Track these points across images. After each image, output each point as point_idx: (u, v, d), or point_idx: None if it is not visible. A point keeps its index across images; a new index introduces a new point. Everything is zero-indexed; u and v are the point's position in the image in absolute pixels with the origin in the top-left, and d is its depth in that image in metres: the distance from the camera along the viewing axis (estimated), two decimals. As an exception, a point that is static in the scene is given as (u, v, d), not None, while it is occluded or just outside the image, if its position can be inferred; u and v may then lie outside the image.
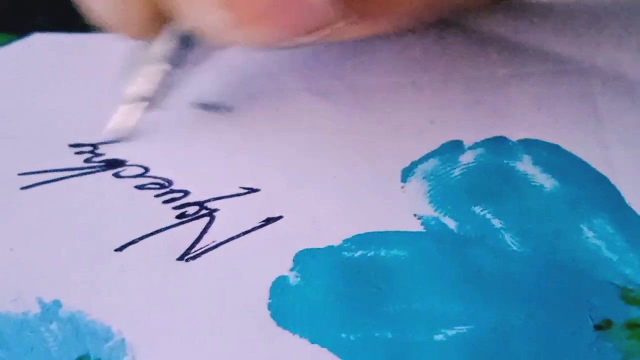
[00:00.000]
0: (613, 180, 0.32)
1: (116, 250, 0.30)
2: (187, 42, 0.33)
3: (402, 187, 0.33)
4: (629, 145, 0.34)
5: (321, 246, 0.30)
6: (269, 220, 0.31)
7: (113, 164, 0.34)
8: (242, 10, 0.29)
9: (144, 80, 0.34)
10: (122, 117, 0.35)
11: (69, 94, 0.37)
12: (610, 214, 0.31)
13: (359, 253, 0.30)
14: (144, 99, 0.35)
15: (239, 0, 0.29)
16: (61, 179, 0.33)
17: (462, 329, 0.28)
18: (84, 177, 0.33)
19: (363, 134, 0.35)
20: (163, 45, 0.34)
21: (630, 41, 0.39)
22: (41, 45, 0.41)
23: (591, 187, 0.32)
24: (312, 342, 0.27)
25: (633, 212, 0.31)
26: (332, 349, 0.27)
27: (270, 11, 0.29)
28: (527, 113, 0.36)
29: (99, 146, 0.35)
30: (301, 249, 0.30)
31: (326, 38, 0.31)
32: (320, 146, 0.34)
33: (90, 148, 0.35)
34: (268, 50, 0.35)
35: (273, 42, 0.30)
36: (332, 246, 0.30)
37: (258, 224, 0.31)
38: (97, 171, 0.34)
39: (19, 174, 0.33)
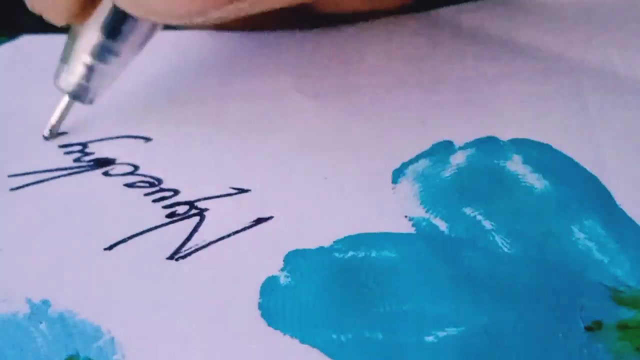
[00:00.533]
0: (603, 181, 0.32)
1: (106, 249, 0.30)
2: (113, 29, 0.32)
3: (393, 188, 0.32)
4: (619, 144, 0.34)
5: (312, 247, 0.30)
6: (259, 221, 0.31)
7: (102, 162, 0.34)
8: None
9: (68, 75, 0.34)
10: (56, 114, 0.35)
11: (58, 94, 0.37)
12: (601, 215, 0.31)
13: (349, 254, 0.30)
14: (69, 94, 0.34)
15: None
16: (51, 179, 0.33)
17: (452, 330, 0.28)
18: (73, 176, 0.33)
19: (354, 135, 0.35)
20: (88, 34, 0.33)
21: (620, 39, 0.39)
22: (30, 47, 0.41)
23: (582, 188, 0.32)
24: (303, 342, 0.27)
25: (623, 214, 0.31)
26: (323, 349, 0.27)
27: None
28: (517, 112, 0.36)
29: (89, 145, 0.35)
30: (291, 249, 0.30)
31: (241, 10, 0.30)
32: (311, 147, 0.34)
33: (79, 147, 0.35)
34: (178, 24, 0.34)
35: (191, 13, 0.30)
36: (323, 247, 0.30)
37: (248, 224, 0.31)
38: (87, 170, 0.34)
39: (9, 176, 0.33)
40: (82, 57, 0.33)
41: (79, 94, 0.34)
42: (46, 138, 0.35)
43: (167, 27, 0.35)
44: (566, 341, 0.27)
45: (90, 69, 0.33)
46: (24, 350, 0.27)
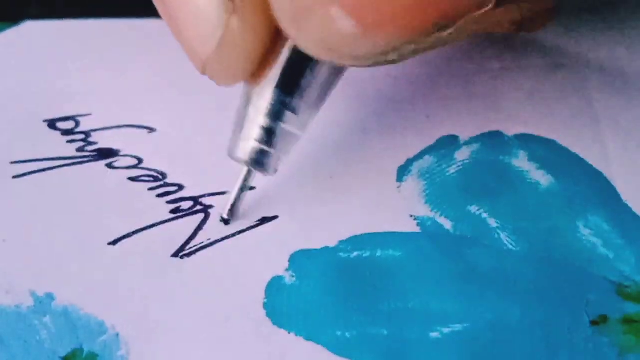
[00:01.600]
0: (609, 176, 0.32)
1: (110, 243, 0.30)
2: (289, 84, 0.29)
3: (398, 187, 0.32)
4: (624, 141, 0.34)
5: (317, 247, 0.30)
6: (264, 220, 0.31)
7: (106, 153, 0.34)
8: (378, 8, 0.24)
9: (244, 141, 0.30)
10: (236, 190, 0.31)
11: (62, 81, 0.37)
12: (606, 211, 0.31)
13: (354, 254, 0.30)
14: (247, 162, 0.30)
15: None
16: (53, 168, 0.33)
17: (457, 326, 0.28)
18: (76, 167, 0.33)
19: (358, 130, 0.35)
20: (263, 93, 0.29)
21: (627, 34, 0.39)
22: (34, 33, 0.40)
23: (587, 184, 0.32)
24: (308, 340, 0.27)
25: (629, 209, 0.31)
26: (328, 346, 0.27)
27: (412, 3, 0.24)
28: (522, 107, 0.36)
29: (92, 134, 0.35)
30: (297, 249, 0.30)
31: (461, 33, 0.27)
32: (317, 144, 0.33)
33: (82, 136, 0.35)
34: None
35: (401, 43, 0.25)
36: (328, 247, 0.30)
37: (253, 223, 0.31)
38: (90, 161, 0.33)
39: (12, 163, 0.33)
40: (258, 120, 0.29)
41: (259, 161, 0.30)
42: (225, 221, 0.32)
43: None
44: (571, 335, 0.27)
45: (268, 132, 0.29)
46: (27, 343, 0.27)
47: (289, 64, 0.28)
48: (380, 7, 0.24)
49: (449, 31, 0.25)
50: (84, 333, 0.28)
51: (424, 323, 0.28)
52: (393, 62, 0.26)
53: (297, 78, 0.28)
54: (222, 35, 0.27)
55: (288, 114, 0.29)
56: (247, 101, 0.29)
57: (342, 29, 0.24)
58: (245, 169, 0.31)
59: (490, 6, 0.25)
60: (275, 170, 0.30)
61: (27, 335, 0.28)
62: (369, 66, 0.27)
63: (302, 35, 0.26)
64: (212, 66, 0.28)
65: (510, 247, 0.30)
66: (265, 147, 0.29)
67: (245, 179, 0.31)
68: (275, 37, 0.27)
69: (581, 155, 0.33)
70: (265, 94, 0.29)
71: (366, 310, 0.28)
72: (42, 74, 0.38)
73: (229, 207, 0.31)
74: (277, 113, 0.29)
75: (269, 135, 0.29)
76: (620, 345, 0.27)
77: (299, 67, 0.28)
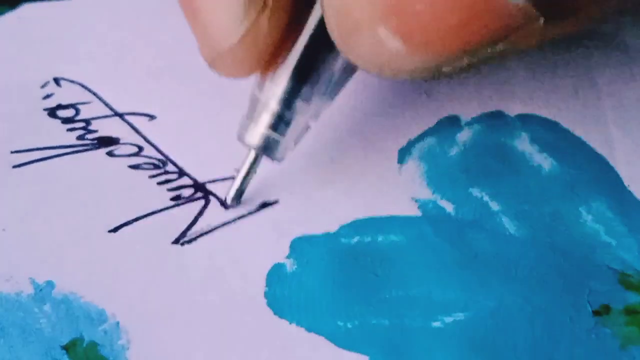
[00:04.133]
0: (612, 161, 0.32)
1: (110, 231, 0.30)
2: (303, 73, 0.29)
3: (399, 169, 0.32)
4: (628, 123, 0.34)
5: (318, 232, 0.30)
6: (264, 205, 0.31)
7: (106, 141, 0.34)
8: (424, 27, 0.24)
9: (254, 127, 0.30)
10: (242, 173, 0.31)
11: (64, 64, 0.37)
12: (609, 197, 0.31)
13: (355, 239, 0.30)
14: (256, 148, 0.30)
15: (420, 16, 0.24)
16: (54, 156, 0.33)
17: (459, 315, 0.28)
18: (76, 155, 0.33)
19: (358, 112, 0.34)
20: (276, 80, 0.29)
21: (631, 9, 0.39)
22: (33, 15, 0.40)
23: (590, 169, 0.32)
24: (309, 331, 0.27)
25: (632, 196, 0.31)
26: (329, 337, 0.27)
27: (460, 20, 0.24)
28: (524, 85, 0.35)
29: (92, 122, 0.34)
30: (298, 235, 0.30)
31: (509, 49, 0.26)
32: (317, 127, 0.33)
33: (83, 124, 0.34)
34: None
35: (451, 59, 0.25)
36: (329, 233, 0.30)
37: (254, 209, 0.31)
38: (90, 149, 0.33)
39: (12, 152, 0.33)
40: (271, 106, 0.29)
41: (268, 147, 0.30)
42: (227, 206, 0.32)
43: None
44: (574, 325, 0.27)
45: (279, 119, 0.30)
46: (27, 331, 0.27)
47: (306, 53, 0.28)
48: (426, 27, 0.24)
49: (499, 46, 0.25)
50: (84, 321, 0.28)
51: (426, 312, 0.28)
52: (449, 75, 0.26)
53: (312, 68, 0.29)
54: (247, 30, 0.27)
55: (301, 103, 0.29)
56: (260, 87, 0.29)
57: (390, 47, 0.25)
58: (252, 154, 0.31)
59: (540, 22, 0.25)
60: (282, 158, 0.30)
61: (26, 323, 0.28)
62: (423, 79, 0.28)
63: (351, 52, 0.26)
64: (226, 59, 0.28)
65: (512, 231, 0.30)
66: (275, 134, 0.30)
67: (252, 164, 0.31)
68: (292, 26, 0.28)
69: (583, 138, 0.33)
70: (279, 82, 0.29)
71: (368, 299, 0.28)
72: (42, 59, 0.37)
73: (233, 192, 0.31)
74: (289, 101, 0.29)
75: (280, 122, 0.29)
76: (623, 337, 0.27)
77: (315, 57, 0.28)
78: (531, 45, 0.26)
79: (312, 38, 0.28)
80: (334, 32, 0.26)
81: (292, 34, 0.28)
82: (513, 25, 0.24)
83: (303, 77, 0.29)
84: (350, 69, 0.29)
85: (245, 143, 0.30)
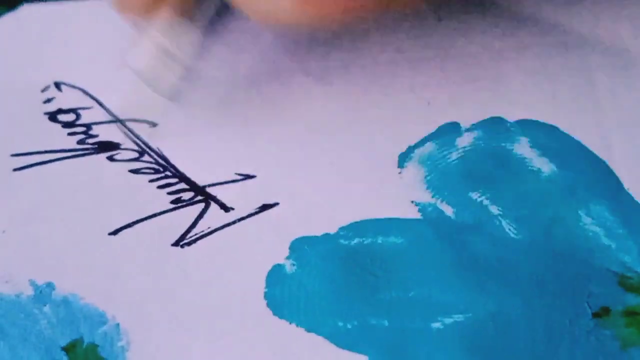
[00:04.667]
0: (611, 164, 0.32)
1: (110, 234, 0.30)
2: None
3: (399, 173, 0.32)
4: (627, 127, 0.33)
5: (317, 234, 0.30)
6: (264, 207, 0.31)
7: (107, 146, 0.34)
8: None
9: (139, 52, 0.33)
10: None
11: (62, 67, 0.37)
12: (608, 200, 0.31)
13: (355, 241, 0.30)
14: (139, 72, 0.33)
15: None
16: (54, 160, 0.33)
17: (459, 316, 0.28)
18: (77, 159, 0.33)
19: (359, 117, 0.34)
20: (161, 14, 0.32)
21: (630, 12, 0.39)
22: (32, 16, 0.40)
23: (589, 172, 0.32)
24: (309, 331, 0.27)
25: (631, 199, 0.31)
26: (329, 337, 0.27)
27: None
28: (524, 90, 0.35)
29: (93, 127, 0.34)
30: (297, 236, 0.30)
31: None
32: (317, 131, 0.33)
33: (83, 129, 0.34)
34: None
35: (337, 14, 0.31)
36: (329, 234, 0.30)
37: (254, 211, 0.31)
38: (91, 153, 0.33)
39: (12, 155, 0.33)
40: (152, 34, 0.32)
41: (151, 74, 0.33)
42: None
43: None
44: (573, 327, 0.27)
45: (160, 47, 0.32)
46: (27, 332, 0.28)
47: None
48: None
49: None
50: (84, 323, 0.28)
51: (425, 313, 0.28)
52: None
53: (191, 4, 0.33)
54: None
55: (181, 34, 0.32)
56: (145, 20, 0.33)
57: (282, 5, 0.30)
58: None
59: None
60: (172, 95, 0.33)
61: (26, 324, 0.28)
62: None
63: (249, 9, 0.31)
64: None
65: (512, 235, 0.30)
66: (156, 61, 0.32)
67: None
68: None
69: (583, 142, 0.33)
70: (161, 14, 0.32)
71: (367, 300, 0.28)
72: (42, 62, 0.37)
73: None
74: (170, 31, 0.32)
75: (161, 50, 0.32)
76: (623, 339, 0.27)
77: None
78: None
79: None
80: None
81: None
82: None
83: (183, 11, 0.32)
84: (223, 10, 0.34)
85: (130, 67, 0.32)
